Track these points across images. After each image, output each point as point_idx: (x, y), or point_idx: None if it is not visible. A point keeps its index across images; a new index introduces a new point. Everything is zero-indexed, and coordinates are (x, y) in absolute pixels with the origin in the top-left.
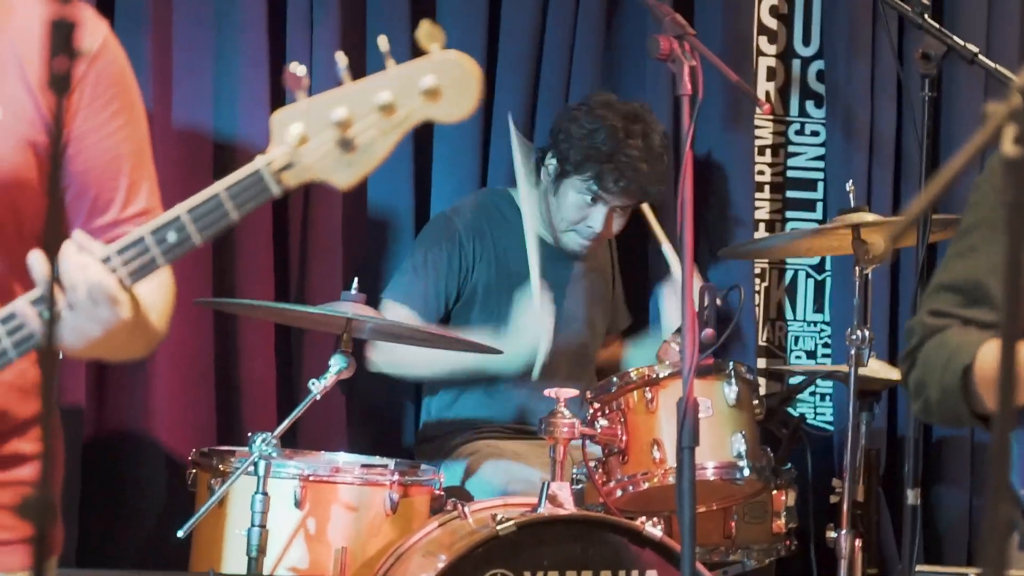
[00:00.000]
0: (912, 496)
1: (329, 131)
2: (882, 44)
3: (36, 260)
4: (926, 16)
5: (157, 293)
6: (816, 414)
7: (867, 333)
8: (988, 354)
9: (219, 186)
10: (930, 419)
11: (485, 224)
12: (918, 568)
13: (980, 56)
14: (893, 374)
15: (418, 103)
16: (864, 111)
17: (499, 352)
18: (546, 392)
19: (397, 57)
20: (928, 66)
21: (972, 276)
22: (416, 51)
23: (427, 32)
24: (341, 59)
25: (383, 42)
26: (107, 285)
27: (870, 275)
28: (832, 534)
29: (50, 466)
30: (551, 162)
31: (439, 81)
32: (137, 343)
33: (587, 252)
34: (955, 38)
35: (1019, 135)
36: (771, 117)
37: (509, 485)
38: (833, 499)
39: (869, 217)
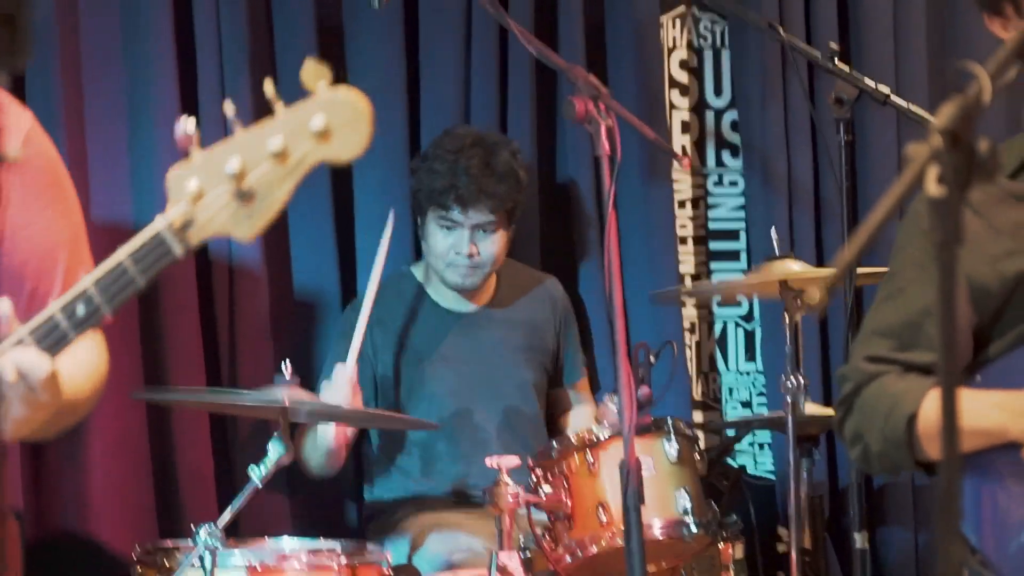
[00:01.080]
0: (860, 540)
1: (224, 184)
2: (794, 90)
3: None
4: (836, 60)
5: (81, 364)
6: (756, 463)
7: (801, 379)
8: (933, 403)
9: (122, 253)
10: (868, 467)
11: (384, 312)
12: None
13: (892, 97)
14: (830, 416)
15: (310, 145)
16: (781, 158)
17: (435, 427)
18: (487, 461)
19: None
20: (842, 110)
21: (904, 318)
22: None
23: (312, 71)
24: (229, 108)
25: (268, 87)
26: (42, 367)
27: (799, 321)
28: None
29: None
30: (419, 219)
31: (328, 121)
32: (64, 418)
33: (501, 304)
34: (866, 80)
35: (941, 175)
36: (691, 170)
37: (453, 555)
38: (780, 548)
39: (796, 267)
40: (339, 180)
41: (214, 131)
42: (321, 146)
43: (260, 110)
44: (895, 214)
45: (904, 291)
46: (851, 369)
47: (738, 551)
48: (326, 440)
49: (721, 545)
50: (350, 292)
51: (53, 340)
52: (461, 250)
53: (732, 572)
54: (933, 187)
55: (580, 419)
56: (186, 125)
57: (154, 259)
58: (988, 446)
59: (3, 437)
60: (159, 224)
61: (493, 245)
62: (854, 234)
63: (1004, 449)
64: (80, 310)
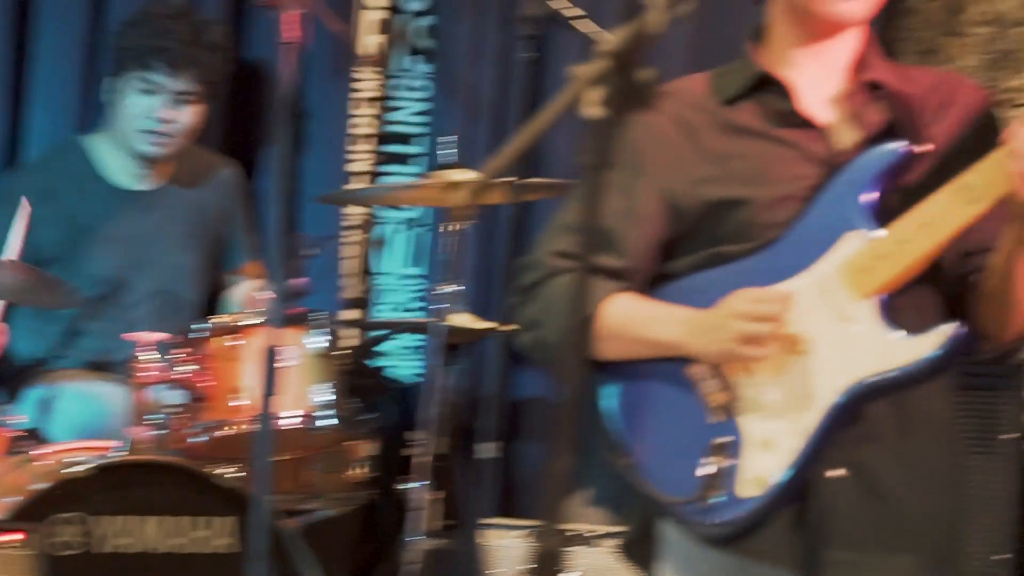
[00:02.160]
0: (488, 449)
1: None
2: (491, 3)
3: None
4: None
5: None
6: (403, 367)
7: (456, 287)
8: (614, 307)
9: None
10: (540, 354)
11: (52, 183)
12: (484, 521)
13: (578, 20)
14: (480, 328)
15: None
16: (469, 69)
17: (79, 302)
18: (125, 336)
19: None
20: (529, 28)
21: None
22: None
23: None
24: None
25: None
26: None
27: (462, 230)
28: (408, 485)
29: None
30: (108, 85)
31: None
32: None
33: (177, 188)
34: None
35: (603, 98)
36: (376, 70)
37: (90, 420)
38: (412, 451)
39: (459, 174)
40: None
41: None
42: None
43: None
44: (549, 128)
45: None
46: (538, 260)
47: (370, 449)
48: None
49: (354, 441)
50: (15, 155)
51: None
52: (155, 114)
53: (362, 469)
54: (592, 108)
55: (232, 297)
56: None
57: None
58: (660, 356)
59: None
60: None
61: (190, 116)
62: (508, 142)
63: (674, 362)
64: None
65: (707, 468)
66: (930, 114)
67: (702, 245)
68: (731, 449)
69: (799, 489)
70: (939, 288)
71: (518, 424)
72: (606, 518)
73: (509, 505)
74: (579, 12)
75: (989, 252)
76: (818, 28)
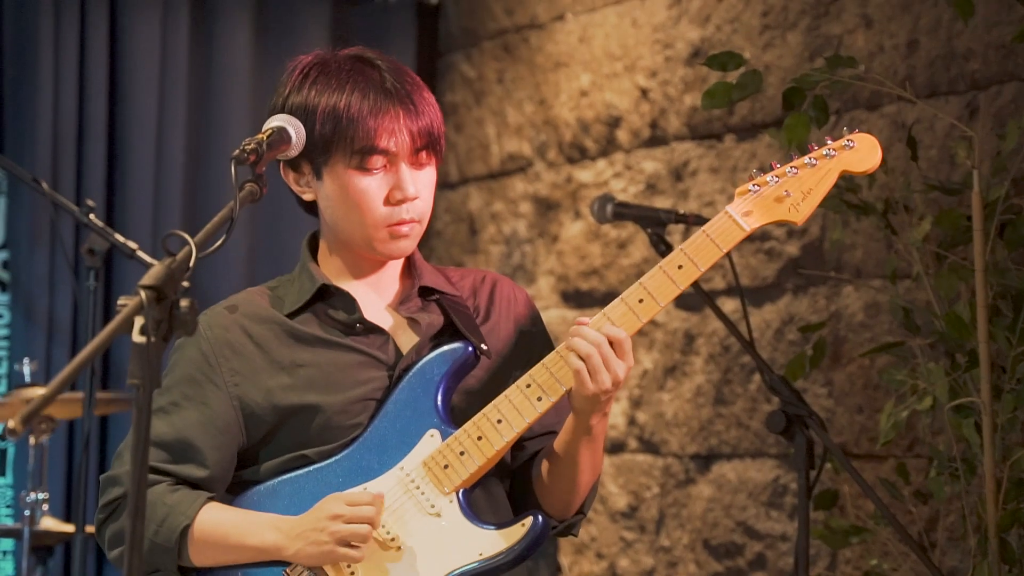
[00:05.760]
0: None
1: None
2: (59, 237)
3: None
4: (92, 216)
5: None
6: None
7: (40, 495)
8: (207, 515)
9: None
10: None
11: None
12: None
13: (138, 251)
14: (66, 529)
15: None
16: (44, 297)
17: None
18: None
19: None
20: (93, 259)
21: (177, 434)
22: None
23: None
24: None
25: None
26: None
27: (45, 442)
28: None
29: None
30: None
31: None
32: None
33: None
34: (117, 236)
35: (144, 326)
36: None
37: None
38: None
39: (39, 391)
40: None
41: None
42: None
43: None
44: (99, 354)
45: (178, 406)
46: (123, 475)
47: None
48: None
49: None
50: None
51: None
52: None
53: None
54: (137, 335)
55: None
56: None
57: None
58: (258, 561)
59: None
60: None
61: None
62: (65, 369)
63: (272, 566)
64: None
65: None
66: (480, 313)
67: (285, 449)
68: None
69: None
70: (501, 477)
71: None
72: None
73: None
74: (134, 245)
75: (550, 435)
76: (371, 261)
